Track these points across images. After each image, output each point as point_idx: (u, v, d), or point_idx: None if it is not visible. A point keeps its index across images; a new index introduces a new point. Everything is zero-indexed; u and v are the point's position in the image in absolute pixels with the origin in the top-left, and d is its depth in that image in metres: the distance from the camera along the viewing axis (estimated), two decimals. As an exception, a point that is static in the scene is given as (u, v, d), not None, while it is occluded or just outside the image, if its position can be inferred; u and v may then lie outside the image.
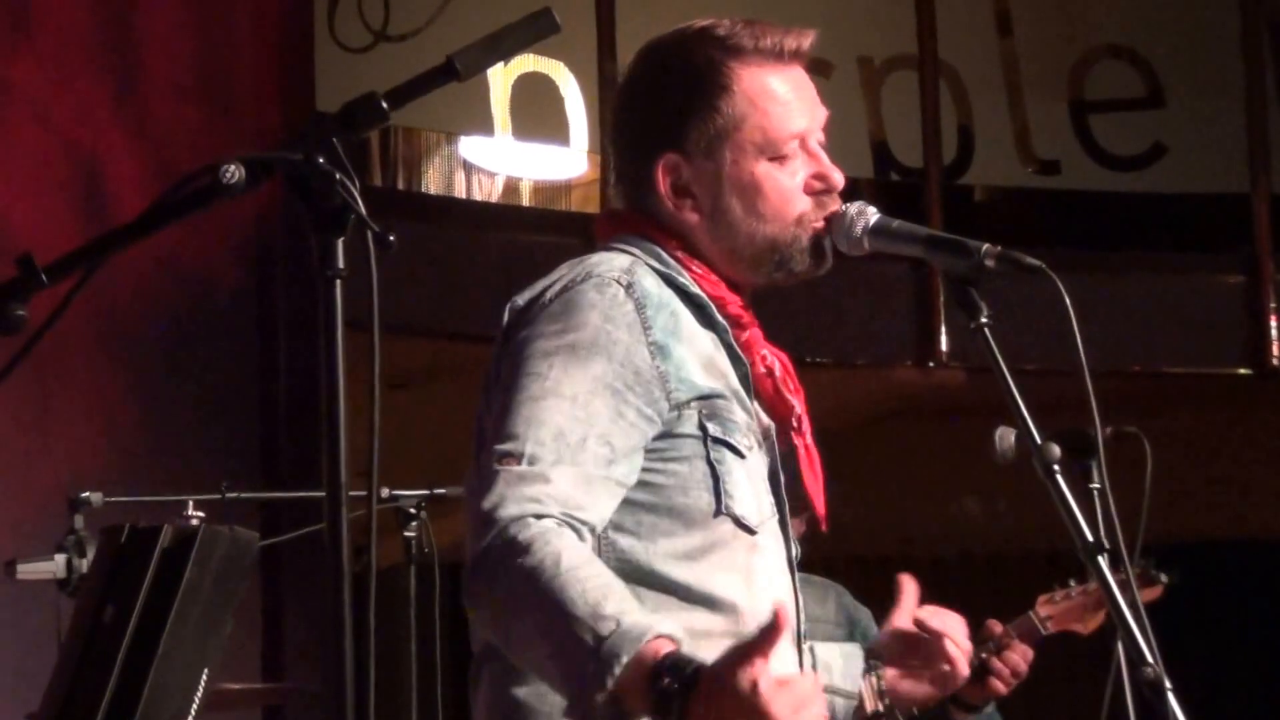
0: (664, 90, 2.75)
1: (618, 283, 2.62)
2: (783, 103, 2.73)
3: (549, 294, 2.63)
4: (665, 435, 2.61)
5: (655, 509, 2.60)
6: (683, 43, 2.77)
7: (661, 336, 2.62)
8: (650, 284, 2.65)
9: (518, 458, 2.50)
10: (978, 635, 4.90)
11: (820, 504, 2.78)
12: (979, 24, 8.53)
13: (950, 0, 8.29)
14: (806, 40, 2.76)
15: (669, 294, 2.67)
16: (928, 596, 2.91)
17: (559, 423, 2.52)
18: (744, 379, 2.71)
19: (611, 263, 2.66)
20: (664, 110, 2.74)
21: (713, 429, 2.63)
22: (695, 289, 2.70)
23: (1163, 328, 8.06)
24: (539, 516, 2.46)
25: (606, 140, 2.90)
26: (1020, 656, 4.85)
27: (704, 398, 2.63)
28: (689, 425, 2.62)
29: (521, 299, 2.66)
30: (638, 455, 2.59)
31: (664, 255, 2.72)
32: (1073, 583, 4.98)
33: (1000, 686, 4.83)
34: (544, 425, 2.52)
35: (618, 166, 2.81)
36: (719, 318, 2.71)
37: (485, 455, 2.53)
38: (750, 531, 2.65)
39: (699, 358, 2.66)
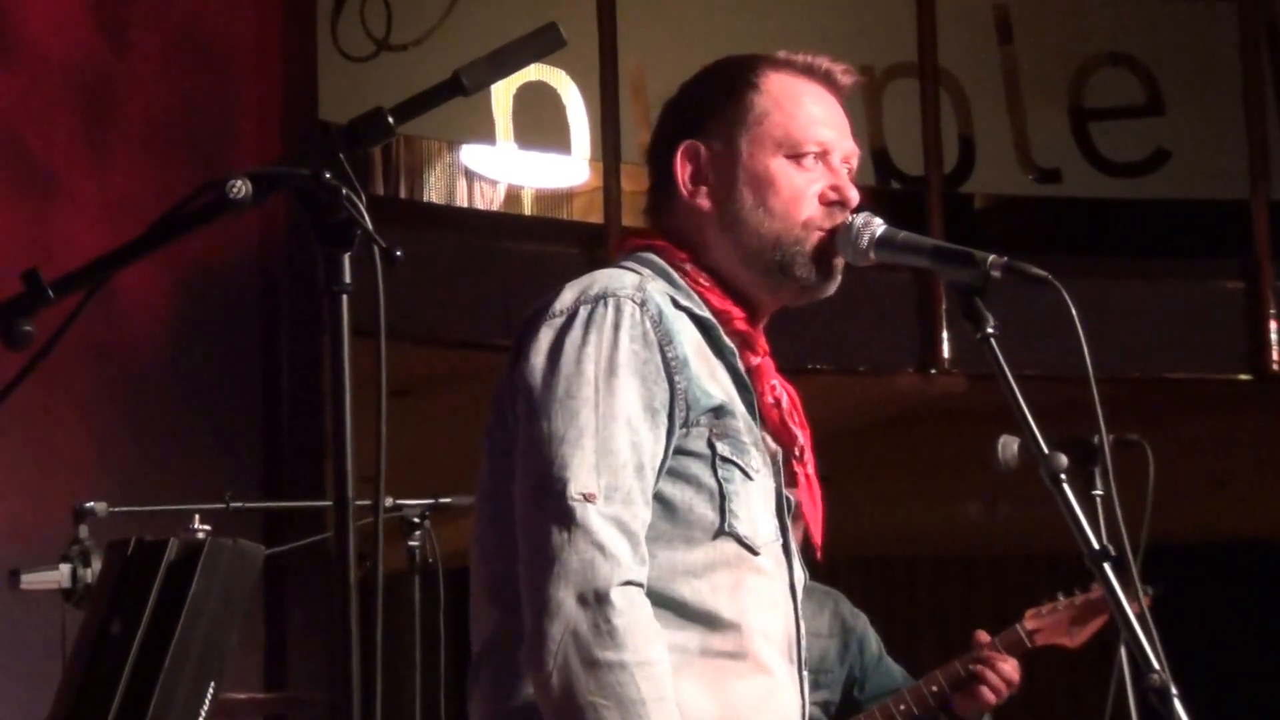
0: (696, 92, 2.82)
1: (632, 300, 2.63)
2: (808, 109, 2.76)
3: (567, 314, 2.63)
4: (676, 452, 2.62)
5: (658, 524, 2.60)
6: (725, 59, 2.84)
7: (680, 350, 2.63)
8: (661, 299, 2.66)
9: (598, 493, 2.53)
10: (965, 646, 4.91)
11: (818, 534, 2.79)
12: (979, 32, 8.53)
13: (950, 9, 8.29)
14: (841, 69, 2.80)
15: (676, 311, 2.67)
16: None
17: (624, 450, 2.55)
18: (750, 405, 2.71)
19: (621, 280, 2.67)
20: (693, 106, 2.80)
21: (721, 448, 2.63)
22: (703, 313, 2.71)
23: (1163, 334, 8.07)
24: (622, 585, 2.50)
25: (643, 159, 2.92)
26: (1011, 669, 4.85)
27: (714, 412, 2.63)
28: (698, 444, 2.63)
29: (532, 316, 2.66)
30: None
31: (673, 275, 2.73)
32: (1060, 596, 4.96)
33: (990, 697, 4.83)
34: (613, 454, 2.54)
35: (648, 177, 2.85)
36: (726, 341, 2.72)
37: (547, 484, 2.54)
38: (753, 552, 2.65)
39: (706, 374, 2.66)
